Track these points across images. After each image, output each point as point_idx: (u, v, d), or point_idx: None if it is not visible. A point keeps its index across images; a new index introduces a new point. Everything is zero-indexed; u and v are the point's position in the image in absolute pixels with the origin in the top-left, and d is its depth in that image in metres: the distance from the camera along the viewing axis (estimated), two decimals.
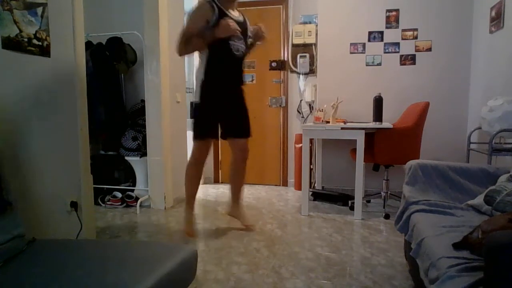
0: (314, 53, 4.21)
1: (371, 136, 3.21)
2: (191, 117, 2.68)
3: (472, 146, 3.09)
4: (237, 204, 2.87)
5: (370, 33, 3.77)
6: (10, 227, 1.40)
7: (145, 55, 3.38)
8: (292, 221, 3.07)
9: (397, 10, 3.70)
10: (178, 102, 3.71)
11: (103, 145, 3.81)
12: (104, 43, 3.60)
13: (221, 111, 2.62)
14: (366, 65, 3.81)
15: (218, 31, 2.41)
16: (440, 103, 3.63)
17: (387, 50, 3.75)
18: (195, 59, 4.54)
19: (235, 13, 2.60)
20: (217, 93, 2.58)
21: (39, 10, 1.89)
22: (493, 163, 2.46)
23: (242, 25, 2.58)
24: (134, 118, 3.69)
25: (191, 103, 2.68)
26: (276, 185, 4.53)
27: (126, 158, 3.57)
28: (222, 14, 2.47)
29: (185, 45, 2.48)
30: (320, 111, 3.58)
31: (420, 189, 2.02)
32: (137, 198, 3.45)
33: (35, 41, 1.87)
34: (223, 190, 4.25)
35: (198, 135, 2.63)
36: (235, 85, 2.66)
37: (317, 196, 3.76)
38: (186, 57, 3.88)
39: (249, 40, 2.66)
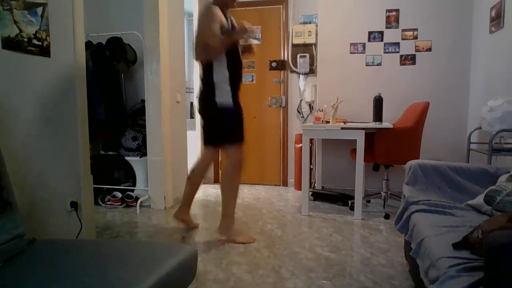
0: (314, 53, 4.21)
1: (371, 136, 3.21)
2: (222, 123, 2.51)
3: (472, 146, 3.09)
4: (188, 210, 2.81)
5: (370, 33, 3.77)
6: (10, 227, 1.40)
7: (145, 55, 3.38)
8: (292, 221, 3.07)
9: (397, 10, 3.70)
10: (178, 102, 3.71)
11: (103, 145, 3.81)
12: (104, 43, 3.60)
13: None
14: (366, 65, 3.81)
15: (238, 33, 2.41)
16: (440, 103, 3.63)
17: (387, 50, 3.75)
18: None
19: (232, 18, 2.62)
20: (238, 98, 2.58)
21: (39, 10, 1.89)
22: (493, 163, 2.46)
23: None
24: (134, 118, 3.69)
25: (215, 106, 2.50)
26: (276, 185, 4.53)
27: (126, 158, 3.57)
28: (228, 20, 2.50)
29: (216, 49, 2.39)
30: (320, 111, 3.58)
31: (420, 189, 2.03)
32: (137, 198, 3.45)
33: (35, 41, 1.87)
34: None
35: (241, 137, 2.55)
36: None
37: (317, 196, 3.76)
38: (186, 57, 3.87)
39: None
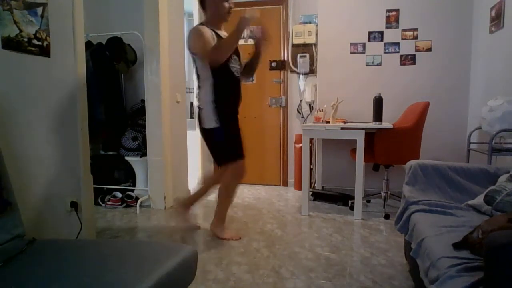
0: (314, 53, 4.21)
1: (371, 136, 3.21)
2: (213, 145, 2.57)
3: (472, 146, 3.09)
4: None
5: (370, 33, 3.77)
6: (10, 227, 1.40)
7: (145, 55, 3.38)
8: (292, 221, 3.07)
9: (397, 10, 3.70)
10: (178, 102, 3.71)
11: (103, 145, 3.81)
12: (104, 43, 3.60)
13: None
14: (366, 65, 3.81)
15: (240, 24, 2.32)
16: (440, 103, 3.63)
17: (387, 50, 3.75)
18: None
19: (225, 34, 2.59)
20: (232, 116, 2.57)
21: (39, 10, 1.89)
22: (493, 163, 2.46)
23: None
24: (134, 118, 3.69)
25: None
26: (276, 185, 4.53)
27: (126, 158, 3.57)
28: (218, 36, 2.49)
29: (221, 50, 2.37)
30: (320, 111, 3.58)
31: (420, 189, 2.02)
32: (137, 198, 3.45)
33: (35, 41, 1.87)
34: None
35: (238, 155, 2.55)
36: (238, 107, 2.63)
37: (317, 196, 3.76)
38: (186, 57, 3.86)
39: (253, 40, 2.59)
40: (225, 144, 2.54)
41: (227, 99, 2.53)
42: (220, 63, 2.40)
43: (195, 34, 2.44)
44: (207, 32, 2.44)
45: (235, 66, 2.54)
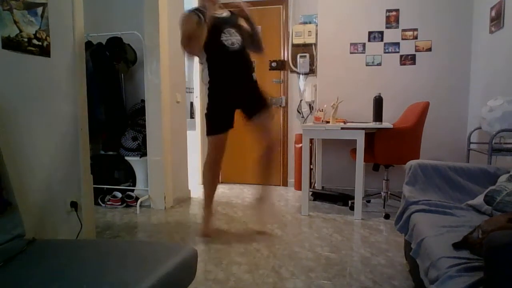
0: (314, 53, 4.21)
1: (371, 136, 3.21)
2: (205, 113, 2.73)
3: (472, 146, 3.09)
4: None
5: (370, 33, 3.77)
6: (10, 227, 1.40)
7: (145, 55, 3.38)
8: (292, 221, 3.07)
9: (397, 10, 3.70)
10: (178, 102, 3.71)
11: (103, 145, 3.81)
12: (104, 43, 3.60)
13: (234, 102, 2.67)
14: (366, 65, 3.81)
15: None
16: (440, 103, 3.63)
17: (387, 50, 3.75)
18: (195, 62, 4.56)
19: (219, 12, 2.63)
20: (226, 88, 2.62)
21: (39, 10, 1.89)
22: (493, 163, 2.46)
23: (229, 19, 2.59)
24: (134, 118, 3.69)
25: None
26: (276, 185, 4.53)
27: (126, 158, 3.57)
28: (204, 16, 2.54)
29: (190, 41, 2.47)
30: (320, 111, 3.58)
31: (420, 189, 2.02)
32: (137, 198, 3.45)
33: (35, 41, 1.87)
34: (223, 190, 4.25)
35: (211, 130, 2.65)
36: (243, 75, 2.66)
37: (317, 196, 3.76)
38: (187, 59, 3.86)
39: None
40: (208, 118, 2.68)
41: (220, 74, 2.60)
42: (191, 53, 2.58)
43: (180, 21, 2.54)
44: (190, 15, 2.47)
45: (229, 39, 2.55)
